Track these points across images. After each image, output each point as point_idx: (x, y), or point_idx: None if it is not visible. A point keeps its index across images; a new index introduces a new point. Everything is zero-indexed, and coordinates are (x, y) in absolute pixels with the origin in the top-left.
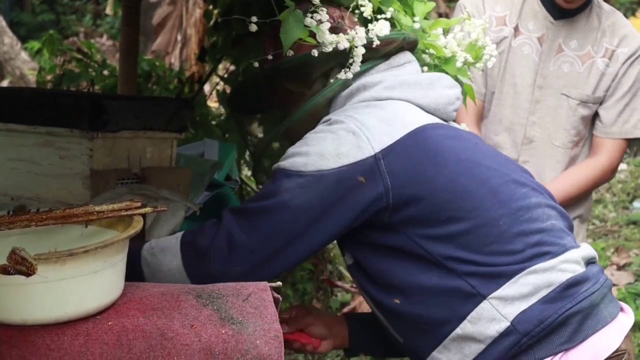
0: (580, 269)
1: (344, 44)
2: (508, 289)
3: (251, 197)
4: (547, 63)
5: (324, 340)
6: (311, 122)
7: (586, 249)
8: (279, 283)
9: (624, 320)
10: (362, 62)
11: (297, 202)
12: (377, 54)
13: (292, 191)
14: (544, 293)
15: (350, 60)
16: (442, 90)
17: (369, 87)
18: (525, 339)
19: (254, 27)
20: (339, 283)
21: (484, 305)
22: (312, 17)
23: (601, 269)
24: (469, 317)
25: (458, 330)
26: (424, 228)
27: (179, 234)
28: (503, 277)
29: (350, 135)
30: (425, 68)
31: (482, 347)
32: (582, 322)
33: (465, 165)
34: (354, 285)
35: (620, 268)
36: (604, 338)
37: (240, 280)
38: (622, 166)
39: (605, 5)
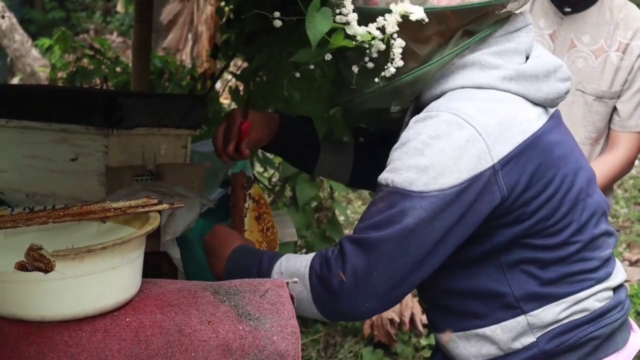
0: (612, 295)
1: (378, 37)
2: (548, 310)
3: (368, 219)
4: (560, 59)
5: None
6: (404, 92)
7: (621, 274)
8: (296, 279)
9: (634, 342)
10: (479, 27)
11: (421, 227)
12: (494, 17)
13: (415, 216)
14: (575, 317)
15: (391, 55)
16: (556, 83)
17: (485, 68)
18: (542, 355)
19: (278, 23)
20: None
21: (520, 320)
22: (340, 13)
23: (627, 293)
24: (502, 324)
25: (487, 330)
26: (516, 236)
27: (308, 262)
28: (549, 299)
29: (469, 145)
30: None
31: (500, 354)
32: (598, 346)
33: (568, 182)
34: None
35: (632, 264)
36: None
37: (372, 315)
38: None
39: None
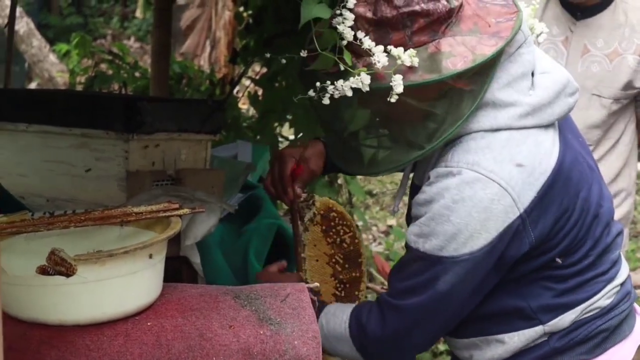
0: (620, 289)
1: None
2: (565, 319)
3: (403, 280)
4: (574, 65)
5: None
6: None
7: (625, 267)
8: (317, 284)
9: (638, 328)
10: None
11: (455, 289)
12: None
13: (448, 281)
14: (586, 315)
15: (393, 82)
16: (565, 99)
17: (500, 107)
18: (553, 351)
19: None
20: (370, 284)
21: (538, 329)
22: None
23: (631, 283)
24: (520, 332)
25: (505, 337)
26: (538, 265)
27: (346, 322)
28: (565, 308)
29: (495, 203)
30: None
31: (510, 355)
32: (607, 337)
33: (586, 205)
34: (384, 287)
35: None
36: (620, 351)
37: None
38: None
39: (631, 0)
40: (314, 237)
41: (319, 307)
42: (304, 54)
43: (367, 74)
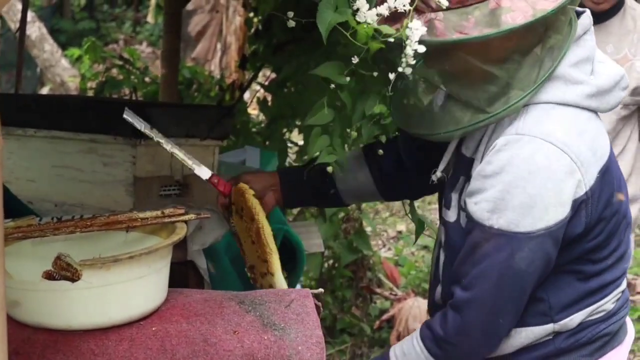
0: (622, 295)
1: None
2: (575, 319)
3: (476, 263)
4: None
5: (264, 197)
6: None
7: (626, 277)
8: (321, 290)
9: (630, 332)
10: (558, 35)
11: (533, 267)
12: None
13: (525, 258)
14: (592, 318)
15: (403, 59)
16: (619, 92)
17: (569, 83)
18: (557, 351)
19: (291, 23)
20: (379, 290)
21: (548, 327)
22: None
23: (628, 291)
24: (529, 329)
25: (512, 331)
26: (577, 254)
27: (424, 352)
28: (578, 309)
29: (568, 177)
30: None
31: (513, 350)
32: (607, 341)
33: (618, 206)
34: (393, 293)
35: None
36: (616, 355)
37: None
38: None
39: (632, 2)
40: (239, 225)
41: (384, 357)
42: (354, 60)
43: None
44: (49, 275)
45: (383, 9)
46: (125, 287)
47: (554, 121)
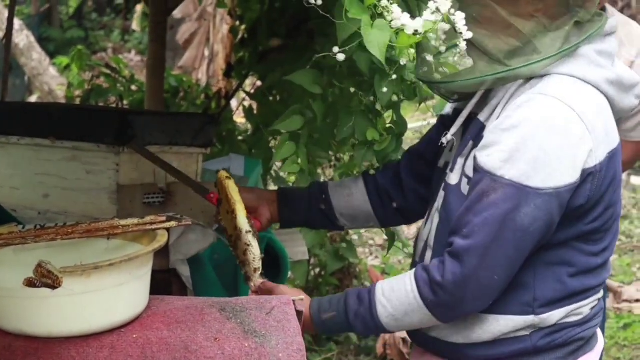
0: (598, 302)
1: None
2: (555, 314)
3: (481, 211)
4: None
5: (259, 209)
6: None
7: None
8: (302, 297)
9: (600, 340)
10: (587, 15)
11: (535, 225)
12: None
13: (530, 215)
14: (570, 320)
15: (457, 30)
16: (632, 98)
17: (592, 64)
18: (532, 350)
19: (341, 57)
20: None
21: (528, 319)
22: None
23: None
24: (508, 317)
25: (489, 317)
26: (573, 235)
27: (415, 292)
28: (559, 305)
29: (583, 144)
30: None
31: (489, 340)
32: (581, 346)
33: (619, 198)
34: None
35: None
36: None
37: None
38: None
39: (620, 16)
40: (225, 218)
41: (370, 289)
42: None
43: None
44: (30, 283)
45: (429, 15)
46: (106, 294)
47: (575, 91)
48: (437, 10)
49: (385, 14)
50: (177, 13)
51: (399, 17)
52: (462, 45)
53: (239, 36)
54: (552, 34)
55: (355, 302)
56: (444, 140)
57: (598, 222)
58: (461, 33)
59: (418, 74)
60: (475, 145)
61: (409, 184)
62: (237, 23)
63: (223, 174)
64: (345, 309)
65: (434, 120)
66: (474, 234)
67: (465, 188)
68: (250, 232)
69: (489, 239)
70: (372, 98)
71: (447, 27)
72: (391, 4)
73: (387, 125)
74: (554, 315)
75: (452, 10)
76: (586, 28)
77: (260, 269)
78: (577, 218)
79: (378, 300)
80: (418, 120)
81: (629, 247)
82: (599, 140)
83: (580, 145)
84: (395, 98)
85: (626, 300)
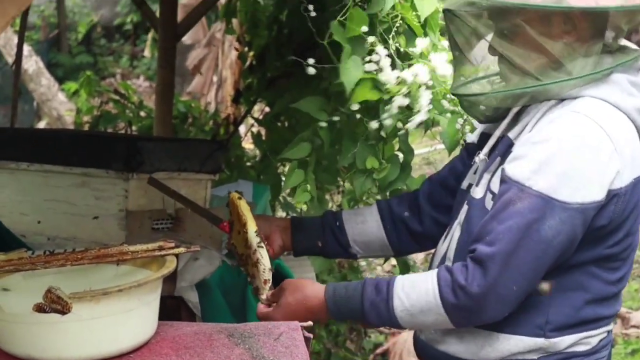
0: (607, 335)
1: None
2: (565, 340)
3: (507, 219)
4: None
5: (271, 236)
6: (542, 97)
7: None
8: (310, 322)
9: None
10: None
11: (558, 239)
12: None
13: (554, 228)
14: (577, 349)
15: (417, 107)
16: None
17: (625, 93)
18: None
19: (311, 70)
20: None
21: (538, 341)
22: (370, 60)
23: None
24: (518, 337)
25: (500, 336)
26: (590, 259)
27: (435, 291)
28: (570, 331)
29: (612, 163)
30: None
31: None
32: None
33: (637, 228)
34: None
35: None
36: None
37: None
38: None
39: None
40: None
41: (389, 281)
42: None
43: None
44: (39, 308)
45: (407, 75)
46: (115, 320)
47: (607, 114)
48: (415, 76)
49: (374, 52)
50: (186, 39)
51: (379, 59)
52: (416, 119)
53: (248, 62)
54: (581, 58)
55: (373, 292)
56: (476, 159)
57: (617, 247)
58: (419, 111)
59: (453, 88)
60: (502, 162)
61: (427, 210)
62: (246, 49)
63: (235, 195)
64: (362, 296)
65: (440, 146)
66: (497, 241)
67: (489, 203)
68: (260, 244)
69: (512, 247)
70: (377, 125)
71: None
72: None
73: (395, 152)
74: (564, 341)
75: (424, 87)
76: (619, 56)
77: (270, 281)
78: (598, 240)
79: (396, 294)
80: (425, 146)
81: (636, 273)
82: (626, 163)
83: (608, 164)
84: (400, 125)
85: (634, 326)
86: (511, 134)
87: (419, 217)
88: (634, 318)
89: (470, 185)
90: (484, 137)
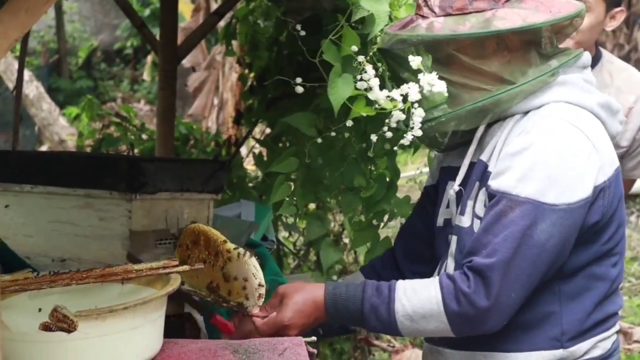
0: (617, 337)
1: (398, 99)
2: (582, 346)
3: (501, 230)
4: None
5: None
6: (494, 110)
7: None
8: (314, 338)
9: None
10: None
11: (551, 242)
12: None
13: (546, 231)
14: (592, 355)
15: (410, 124)
16: (618, 124)
17: (583, 91)
18: None
19: (299, 89)
20: (376, 342)
21: (557, 353)
22: (361, 79)
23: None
24: (538, 353)
25: (520, 356)
26: (587, 260)
27: (438, 297)
28: (586, 337)
29: (591, 160)
30: None
31: None
32: None
33: (624, 219)
34: (391, 344)
35: None
36: None
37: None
38: None
39: (618, 61)
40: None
41: (390, 285)
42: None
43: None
44: (45, 327)
45: (396, 94)
46: (121, 338)
47: (576, 114)
48: (405, 95)
49: (362, 71)
50: (186, 62)
51: (368, 79)
52: (409, 137)
53: (248, 84)
54: (522, 67)
55: (373, 294)
56: (451, 191)
57: (611, 242)
58: (412, 128)
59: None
60: (482, 186)
61: (404, 265)
62: (246, 71)
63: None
64: (362, 298)
65: (426, 170)
66: (496, 252)
67: (477, 227)
68: (247, 253)
69: (510, 255)
70: (364, 145)
71: (401, 117)
72: (368, 64)
73: (381, 171)
74: (581, 348)
75: (416, 105)
76: (561, 58)
77: (264, 296)
78: (593, 237)
79: (398, 298)
80: (412, 169)
81: (638, 289)
82: (605, 157)
83: (589, 162)
84: (388, 146)
85: (637, 341)
86: (483, 157)
87: (399, 273)
88: (637, 333)
89: (447, 220)
90: (447, 171)
